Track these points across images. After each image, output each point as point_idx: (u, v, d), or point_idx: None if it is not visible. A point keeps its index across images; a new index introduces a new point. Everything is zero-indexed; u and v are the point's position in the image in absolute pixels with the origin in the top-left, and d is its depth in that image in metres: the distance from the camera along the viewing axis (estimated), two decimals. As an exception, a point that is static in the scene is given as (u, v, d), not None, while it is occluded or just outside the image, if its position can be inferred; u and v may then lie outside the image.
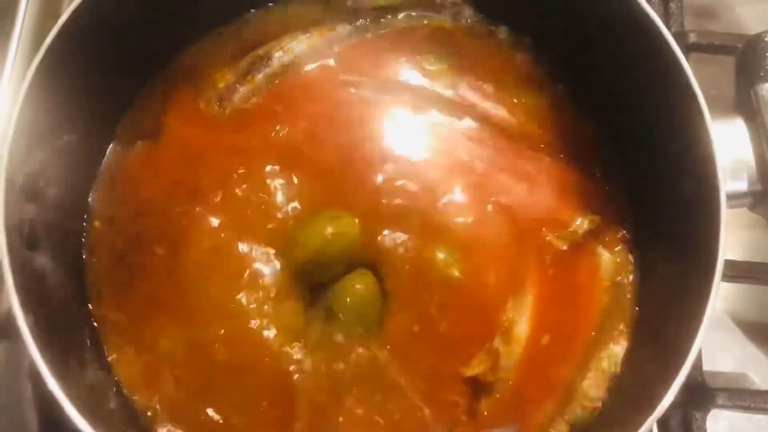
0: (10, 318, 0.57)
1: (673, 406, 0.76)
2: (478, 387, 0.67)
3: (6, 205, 0.59)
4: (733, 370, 0.85)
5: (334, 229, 0.68)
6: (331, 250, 0.68)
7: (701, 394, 0.78)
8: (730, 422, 0.83)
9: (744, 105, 0.66)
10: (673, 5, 0.89)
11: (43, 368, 0.56)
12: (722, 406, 0.78)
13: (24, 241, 0.61)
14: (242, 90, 0.74)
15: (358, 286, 0.67)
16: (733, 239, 0.82)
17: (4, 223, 0.59)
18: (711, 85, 0.75)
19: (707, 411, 0.78)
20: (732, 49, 0.84)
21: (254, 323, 0.67)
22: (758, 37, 0.66)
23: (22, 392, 0.74)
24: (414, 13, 0.78)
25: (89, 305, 0.69)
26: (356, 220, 0.69)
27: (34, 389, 0.74)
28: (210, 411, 0.66)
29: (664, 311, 0.66)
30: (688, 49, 0.86)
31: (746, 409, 0.78)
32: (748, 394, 0.79)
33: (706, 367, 0.80)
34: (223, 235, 0.69)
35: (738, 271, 0.81)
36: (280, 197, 0.70)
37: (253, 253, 0.68)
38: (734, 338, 0.86)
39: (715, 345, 0.85)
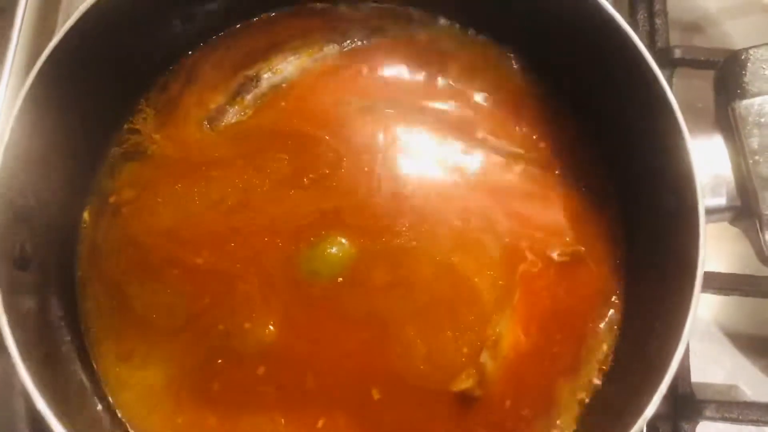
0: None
1: (662, 418, 0.77)
2: (465, 402, 0.68)
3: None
4: (724, 381, 0.85)
5: (329, 259, 0.70)
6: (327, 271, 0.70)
7: (689, 405, 0.78)
8: (720, 434, 0.83)
9: (723, 121, 0.67)
10: (658, 21, 0.89)
11: (30, 386, 0.57)
12: (710, 418, 0.78)
13: (15, 262, 0.63)
14: (232, 111, 0.75)
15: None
16: (719, 252, 0.83)
17: None
18: (697, 99, 0.76)
19: (696, 423, 0.78)
20: (717, 64, 0.85)
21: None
22: (736, 54, 0.67)
23: (15, 408, 0.76)
24: (401, 31, 0.79)
25: (80, 324, 0.70)
26: (350, 249, 0.70)
27: (27, 405, 0.75)
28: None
29: (648, 323, 0.67)
30: (673, 64, 0.86)
31: (734, 420, 0.78)
32: (736, 406, 0.79)
33: (696, 379, 0.81)
34: (211, 257, 0.71)
35: (725, 284, 0.81)
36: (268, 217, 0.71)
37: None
38: (724, 350, 0.87)
39: (705, 357, 0.85)
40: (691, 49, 0.86)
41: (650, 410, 0.60)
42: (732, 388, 0.85)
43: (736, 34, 0.81)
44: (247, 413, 0.68)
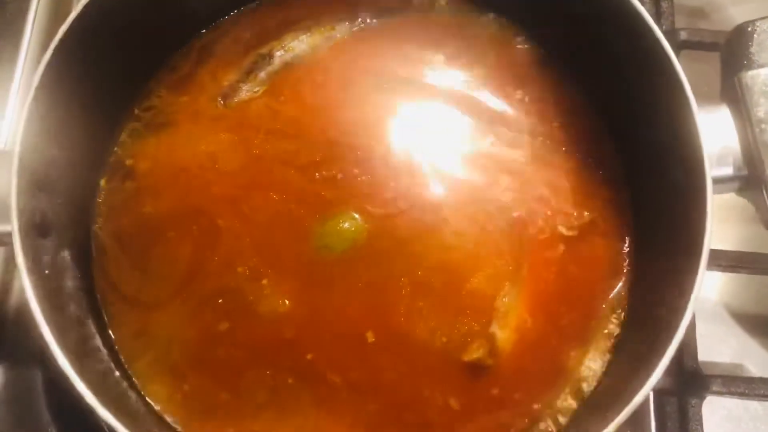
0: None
1: (669, 393, 0.78)
2: (476, 371, 0.69)
3: (18, 194, 0.61)
4: (730, 360, 0.86)
5: (341, 234, 0.71)
6: (339, 246, 0.71)
7: (696, 381, 0.79)
8: (728, 411, 0.84)
9: (729, 93, 0.68)
10: (664, 4, 0.90)
11: (54, 348, 0.58)
12: (717, 393, 0.78)
13: (36, 230, 0.64)
14: (245, 88, 0.76)
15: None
16: (725, 231, 0.84)
17: (17, 212, 0.61)
18: (702, 81, 0.77)
19: (702, 398, 0.79)
20: (720, 46, 0.86)
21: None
22: (742, 26, 0.68)
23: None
24: (412, 9, 0.80)
25: (97, 294, 0.71)
26: (362, 223, 0.71)
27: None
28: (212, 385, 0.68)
29: (656, 295, 0.68)
30: (678, 46, 0.87)
31: (741, 395, 0.79)
32: (743, 381, 0.80)
33: (703, 358, 0.81)
34: (226, 224, 0.72)
35: (731, 261, 0.82)
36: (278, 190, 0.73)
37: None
38: (730, 329, 0.87)
39: (712, 336, 0.86)
40: (696, 31, 0.88)
41: (654, 379, 0.60)
42: (738, 366, 0.86)
43: (739, 18, 0.82)
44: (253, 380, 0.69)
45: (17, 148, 0.62)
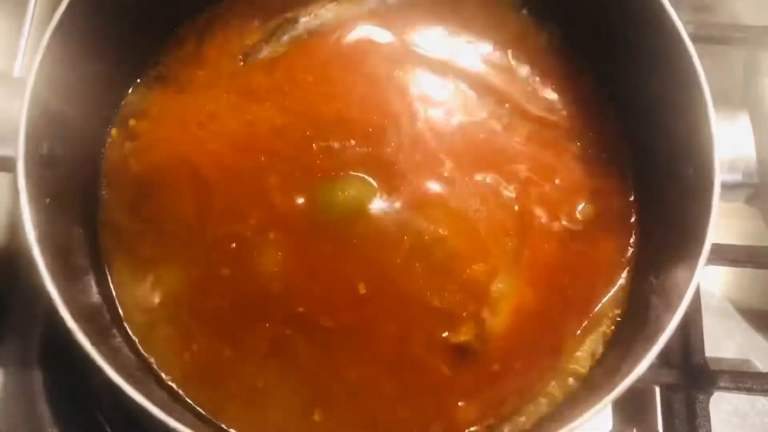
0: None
1: (677, 389, 0.78)
2: (463, 354, 0.69)
3: (28, 121, 0.61)
4: (736, 356, 0.86)
5: (352, 194, 0.72)
6: (347, 208, 0.72)
7: (703, 376, 0.79)
8: (734, 407, 0.84)
9: (750, 98, 0.67)
10: (670, -2, 0.90)
11: (47, 281, 0.58)
12: (724, 388, 0.79)
13: (41, 158, 0.63)
14: (266, 48, 0.77)
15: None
16: (732, 226, 0.84)
17: (24, 138, 0.61)
18: (708, 75, 0.77)
19: (710, 393, 0.79)
20: (729, 39, 0.86)
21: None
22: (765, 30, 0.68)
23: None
24: None
25: (99, 244, 0.72)
26: (368, 189, 0.72)
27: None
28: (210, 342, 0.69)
29: (654, 290, 0.68)
30: (686, 40, 0.87)
31: (748, 390, 0.79)
32: (750, 377, 0.80)
33: (710, 353, 0.81)
34: (236, 168, 0.73)
35: (737, 255, 0.82)
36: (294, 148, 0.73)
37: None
38: (737, 325, 0.88)
39: (718, 332, 0.86)
40: (704, 24, 0.87)
41: (643, 366, 0.60)
42: (744, 362, 0.86)
43: (745, 12, 0.82)
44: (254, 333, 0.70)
45: (31, 77, 0.62)
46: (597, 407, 0.59)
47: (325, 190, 0.72)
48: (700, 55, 0.78)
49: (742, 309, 0.88)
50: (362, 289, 0.70)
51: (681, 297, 0.62)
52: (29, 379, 0.78)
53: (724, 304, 0.88)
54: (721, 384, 0.79)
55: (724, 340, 0.86)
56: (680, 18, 0.87)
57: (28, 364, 0.78)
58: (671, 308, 0.62)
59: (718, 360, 0.84)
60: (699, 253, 0.62)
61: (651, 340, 0.61)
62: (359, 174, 0.72)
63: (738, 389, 0.80)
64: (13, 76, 0.84)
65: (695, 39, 0.84)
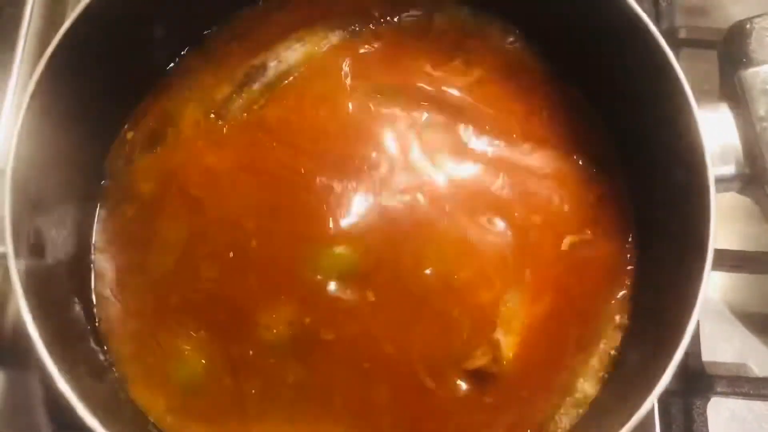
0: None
1: (674, 394, 0.77)
2: (481, 379, 0.69)
3: (13, 213, 0.61)
4: (733, 360, 0.85)
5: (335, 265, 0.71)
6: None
7: (701, 382, 0.79)
8: (732, 412, 0.83)
9: (729, 91, 0.67)
10: (663, 3, 0.90)
11: (51, 368, 0.58)
12: (722, 394, 0.78)
13: (30, 249, 0.63)
14: (239, 101, 0.75)
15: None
16: (730, 231, 0.84)
17: (11, 231, 0.60)
18: (703, 79, 0.77)
19: (707, 399, 0.79)
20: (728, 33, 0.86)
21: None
22: (740, 24, 0.68)
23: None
24: (406, 17, 0.79)
25: (94, 311, 0.71)
26: (356, 253, 0.71)
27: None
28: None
29: (660, 296, 0.67)
30: (679, 44, 0.87)
31: (746, 396, 0.79)
32: (747, 382, 0.79)
33: (706, 357, 0.81)
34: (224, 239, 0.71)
35: (736, 261, 0.82)
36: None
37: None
38: (734, 329, 0.87)
39: (715, 336, 0.85)
40: (696, 29, 0.87)
41: (664, 381, 0.60)
42: (742, 366, 0.85)
43: (739, 16, 0.82)
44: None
45: (10, 165, 0.61)
46: (632, 420, 0.59)
47: (313, 258, 0.71)
48: (694, 59, 0.78)
49: (739, 313, 0.88)
50: (368, 362, 0.69)
51: (693, 302, 0.61)
52: (28, 384, 0.78)
53: (722, 308, 0.88)
54: (719, 389, 0.79)
55: (722, 345, 0.86)
56: (674, 23, 0.88)
57: (26, 367, 0.78)
58: (685, 314, 0.61)
59: (716, 364, 0.83)
60: (704, 254, 0.62)
61: (667, 349, 0.61)
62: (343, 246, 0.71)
63: (735, 394, 0.80)
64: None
65: (687, 43, 0.85)
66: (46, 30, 0.86)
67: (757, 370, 0.85)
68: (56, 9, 0.63)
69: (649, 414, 0.80)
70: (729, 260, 0.82)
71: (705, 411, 0.78)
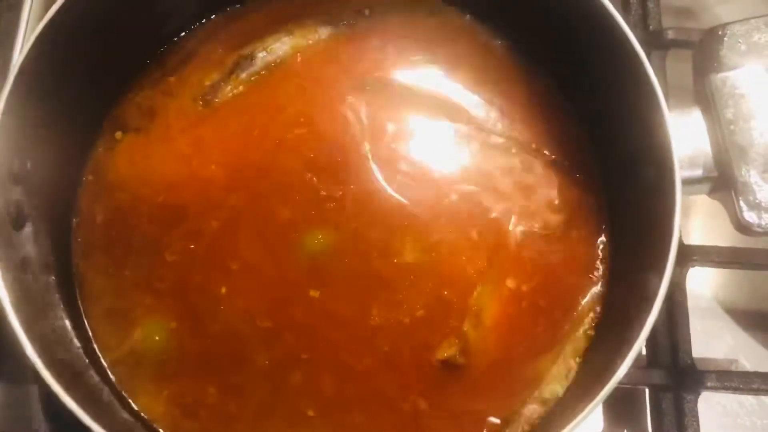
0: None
1: (665, 389, 0.79)
2: (448, 369, 0.70)
3: None
4: (725, 356, 0.86)
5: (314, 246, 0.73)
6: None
7: (691, 376, 0.80)
8: (723, 406, 0.84)
9: (700, 95, 0.69)
10: (650, 4, 0.91)
11: (26, 343, 0.60)
12: (711, 388, 0.79)
13: (11, 222, 0.65)
14: (226, 88, 0.78)
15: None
16: (716, 227, 0.85)
17: None
18: (690, 80, 0.78)
19: (698, 393, 0.79)
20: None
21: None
22: (714, 29, 0.69)
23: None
24: (394, 13, 0.81)
25: (76, 289, 0.73)
26: (334, 236, 0.73)
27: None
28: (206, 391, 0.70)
29: (628, 291, 0.68)
30: (666, 45, 0.88)
31: (735, 390, 0.79)
32: (737, 376, 0.80)
33: (698, 354, 0.81)
34: (204, 223, 0.74)
35: (722, 257, 0.82)
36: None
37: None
38: (725, 325, 0.88)
39: (706, 332, 0.86)
40: (683, 30, 0.87)
41: (622, 370, 0.61)
42: (732, 362, 0.86)
43: (726, 17, 0.83)
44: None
45: None
46: (585, 412, 0.60)
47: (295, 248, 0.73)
48: (682, 60, 0.79)
49: (730, 309, 0.88)
50: (347, 312, 0.71)
51: (654, 297, 0.63)
52: (26, 393, 0.79)
53: (712, 304, 0.89)
54: (709, 384, 0.79)
55: (713, 341, 0.87)
56: (661, 24, 0.89)
57: (25, 379, 0.79)
58: (646, 309, 0.63)
59: (707, 360, 0.84)
60: (668, 251, 0.63)
61: (629, 342, 0.63)
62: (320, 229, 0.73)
63: (725, 389, 0.80)
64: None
65: (675, 44, 0.86)
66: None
67: (749, 365, 0.86)
68: None
69: (641, 408, 0.82)
70: (718, 256, 0.83)
71: (696, 405, 0.79)
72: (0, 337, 0.72)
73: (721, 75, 0.67)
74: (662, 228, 0.64)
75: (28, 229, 0.68)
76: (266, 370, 0.70)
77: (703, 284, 0.89)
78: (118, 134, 0.78)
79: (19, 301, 0.62)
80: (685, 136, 0.67)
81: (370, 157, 0.75)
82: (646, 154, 0.67)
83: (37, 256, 0.69)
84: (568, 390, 0.71)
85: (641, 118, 0.67)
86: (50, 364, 0.60)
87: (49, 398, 0.70)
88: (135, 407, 0.71)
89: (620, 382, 0.61)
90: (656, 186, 0.66)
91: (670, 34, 0.88)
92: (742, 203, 0.66)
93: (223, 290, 0.72)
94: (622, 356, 0.61)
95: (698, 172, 0.67)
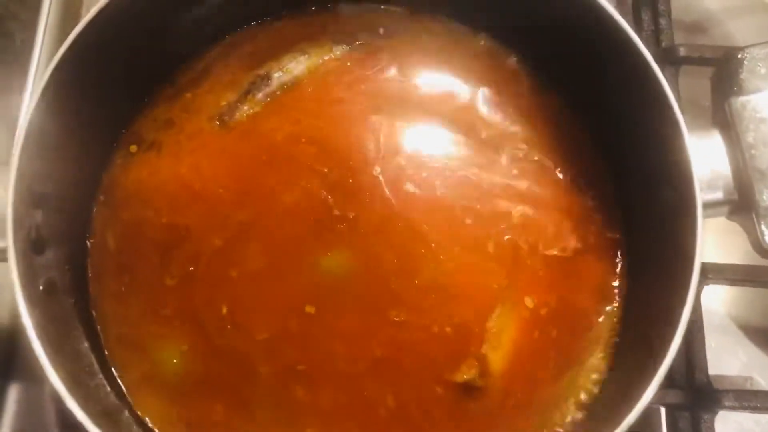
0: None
1: (682, 408, 0.78)
2: (467, 393, 0.70)
3: (15, 211, 0.62)
4: (739, 373, 0.86)
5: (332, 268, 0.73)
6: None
7: (708, 396, 0.79)
8: (739, 425, 0.84)
9: (720, 118, 0.68)
10: (662, 21, 0.90)
11: (49, 370, 0.60)
12: (729, 408, 0.78)
13: (31, 246, 0.65)
14: (242, 108, 0.77)
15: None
16: (730, 245, 0.84)
17: (12, 228, 0.62)
18: (703, 97, 0.78)
19: (715, 413, 0.79)
20: (720, 61, 0.87)
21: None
22: (733, 52, 0.69)
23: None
24: (408, 33, 0.81)
25: (93, 312, 0.73)
26: (351, 258, 0.72)
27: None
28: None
29: (648, 315, 0.68)
30: (678, 62, 0.87)
31: (753, 409, 0.78)
32: (755, 395, 0.79)
33: (713, 371, 0.81)
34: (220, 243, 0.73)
35: (737, 275, 0.82)
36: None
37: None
38: (739, 342, 0.87)
39: (721, 349, 0.86)
40: (695, 47, 0.87)
41: (648, 395, 0.61)
42: (747, 379, 0.86)
43: (738, 33, 0.83)
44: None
45: (15, 161, 0.63)
46: None
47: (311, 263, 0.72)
48: (694, 76, 0.79)
49: (744, 326, 0.88)
50: (362, 359, 0.70)
51: (677, 321, 0.62)
52: (40, 394, 0.79)
53: (727, 322, 0.88)
54: (726, 403, 0.79)
55: (728, 358, 0.86)
56: (673, 40, 0.89)
57: (39, 379, 0.79)
58: (668, 333, 0.62)
59: (722, 378, 0.84)
60: (690, 275, 0.63)
61: (653, 367, 0.62)
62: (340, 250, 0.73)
63: (743, 408, 0.79)
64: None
65: (687, 61, 0.86)
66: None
67: (764, 383, 0.85)
68: (68, 32, 0.65)
69: (658, 427, 0.81)
70: (733, 274, 0.83)
71: (713, 425, 0.78)
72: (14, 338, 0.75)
73: (741, 98, 0.67)
74: (683, 252, 0.63)
75: (48, 253, 0.67)
76: (270, 385, 0.70)
77: (717, 301, 0.89)
78: (133, 147, 0.77)
79: (42, 326, 0.62)
80: (704, 158, 0.67)
81: (383, 178, 0.74)
82: (665, 175, 0.67)
83: (59, 279, 0.68)
84: (588, 414, 0.70)
85: (659, 139, 0.67)
86: (72, 388, 0.60)
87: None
88: (152, 427, 0.71)
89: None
90: (676, 208, 0.66)
91: (683, 51, 0.88)
92: (763, 227, 0.65)
93: (224, 310, 0.72)
94: (647, 382, 0.61)
95: (718, 195, 0.67)
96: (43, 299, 0.64)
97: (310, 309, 0.71)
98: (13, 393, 0.80)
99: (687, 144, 0.64)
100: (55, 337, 0.63)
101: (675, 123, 0.65)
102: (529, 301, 0.72)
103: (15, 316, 0.74)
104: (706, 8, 0.97)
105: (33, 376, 0.79)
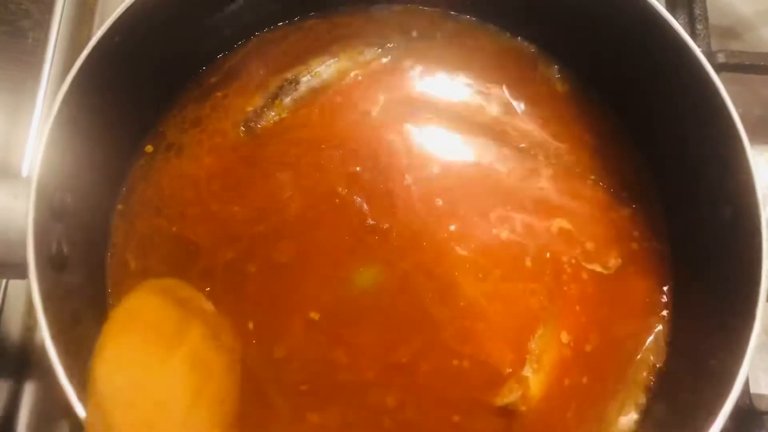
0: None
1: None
2: (509, 416, 0.67)
3: (36, 225, 0.59)
4: (779, 392, 0.84)
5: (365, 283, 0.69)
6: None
7: (750, 418, 0.76)
8: (782, 445, 0.82)
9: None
10: (699, 26, 0.88)
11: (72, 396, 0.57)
12: (774, 431, 0.76)
13: (51, 262, 0.62)
14: (269, 113, 0.74)
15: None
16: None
17: (33, 244, 0.59)
18: (738, 104, 0.75)
19: (759, 436, 0.76)
20: (761, 68, 0.84)
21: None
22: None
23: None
24: (439, 34, 0.78)
25: None
26: (385, 273, 0.69)
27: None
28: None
29: (703, 339, 0.65)
30: (716, 69, 0.85)
31: (798, 431, 0.77)
32: (798, 416, 0.77)
33: (753, 390, 0.78)
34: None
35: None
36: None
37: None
38: (774, 360, 0.85)
39: (759, 367, 0.84)
40: (734, 53, 0.84)
41: (716, 429, 0.58)
42: (788, 400, 0.83)
43: (774, 38, 0.80)
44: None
45: (35, 175, 0.60)
46: None
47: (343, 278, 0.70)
48: (729, 84, 0.76)
49: (778, 343, 0.86)
50: (402, 358, 0.67)
51: (744, 351, 0.59)
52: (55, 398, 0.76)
53: (764, 339, 0.86)
54: (771, 426, 0.76)
55: (765, 375, 0.84)
56: (710, 47, 0.86)
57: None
58: (736, 363, 0.59)
59: (762, 397, 0.81)
60: (756, 299, 0.60)
61: (719, 397, 0.59)
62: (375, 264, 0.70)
63: (788, 430, 0.77)
64: (21, 175, 0.82)
65: (726, 68, 0.83)
66: (71, 53, 0.86)
67: (805, 402, 0.83)
68: (81, 31, 0.62)
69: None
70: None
71: (758, 448, 0.76)
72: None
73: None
74: (745, 273, 0.60)
75: (69, 268, 0.64)
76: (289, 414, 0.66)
77: (753, 317, 0.86)
78: (149, 147, 0.75)
79: (58, 335, 0.59)
80: (765, 172, 0.64)
81: (414, 189, 0.72)
82: (723, 190, 0.64)
83: (78, 295, 0.65)
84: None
85: (718, 152, 0.64)
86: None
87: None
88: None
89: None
90: (734, 226, 0.63)
91: (721, 58, 0.85)
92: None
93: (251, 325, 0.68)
94: (710, 415, 0.58)
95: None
96: (62, 311, 0.61)
97: (363, 337, 0.68)
98: (27, 396, 0.77)
99: (749, 156, 0.61)
100: (74, 353, 0.59)
101: (735, 134, 0.62)
102: (571, 321, 0.69)
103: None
104: (738, 13, 0.94)
105: (47, 382, 0.77)
